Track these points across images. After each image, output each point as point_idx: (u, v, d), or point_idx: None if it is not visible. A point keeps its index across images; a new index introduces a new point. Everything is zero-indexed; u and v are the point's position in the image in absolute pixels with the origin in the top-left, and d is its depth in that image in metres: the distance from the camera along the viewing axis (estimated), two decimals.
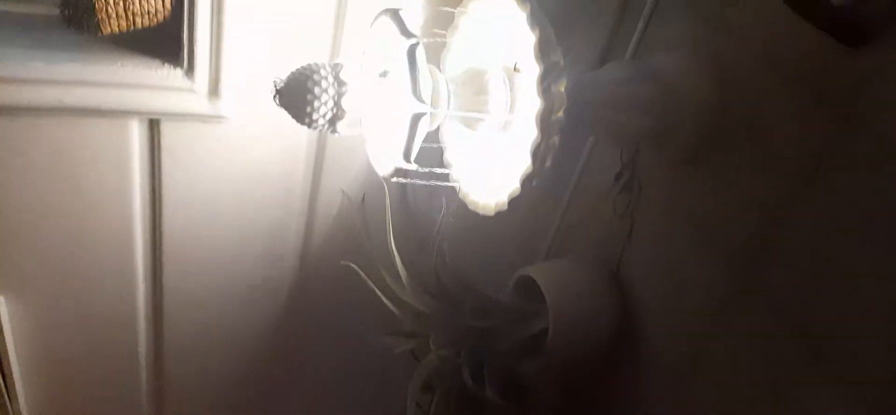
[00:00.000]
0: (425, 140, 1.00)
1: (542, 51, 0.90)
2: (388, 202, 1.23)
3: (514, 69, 1.03)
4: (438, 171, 1.05)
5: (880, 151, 0.79)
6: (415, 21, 1.16)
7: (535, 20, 0.91)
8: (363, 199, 1.40)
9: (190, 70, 1.23)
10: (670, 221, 1.12)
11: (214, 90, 1.25)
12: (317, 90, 0.95)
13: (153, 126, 1.33)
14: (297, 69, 0.97)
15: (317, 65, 0.96)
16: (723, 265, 1.01)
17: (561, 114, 0.93)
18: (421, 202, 1.45)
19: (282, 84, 0.97)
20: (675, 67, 1.01)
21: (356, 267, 1.29)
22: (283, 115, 0.96)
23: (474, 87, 1.01)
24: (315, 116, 0.96)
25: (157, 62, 1.24)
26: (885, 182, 0.79)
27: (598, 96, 1.01)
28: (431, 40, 0.99)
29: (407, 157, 0.97)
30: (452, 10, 1.06)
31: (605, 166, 1.25)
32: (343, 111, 0.96)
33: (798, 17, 0.85)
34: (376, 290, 1.31)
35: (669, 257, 1.13)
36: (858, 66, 0.81)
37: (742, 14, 0.96)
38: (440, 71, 1.05)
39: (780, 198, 0.92)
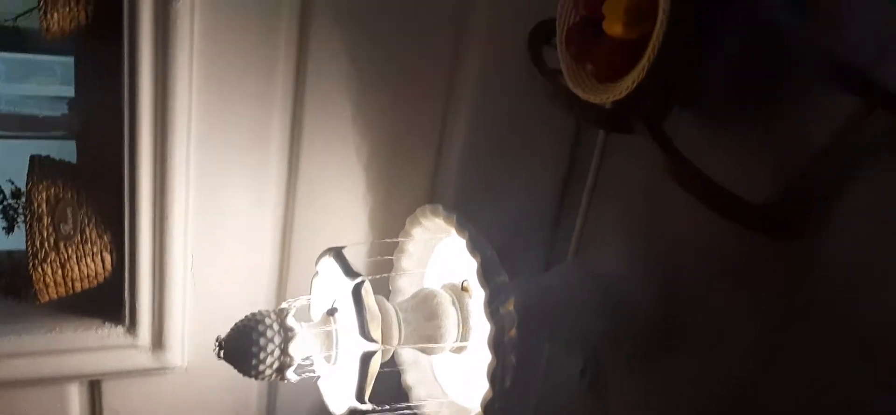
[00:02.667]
0: (382, 365, 0.97)
1: (486, 275, 0.90)
2: None
3: (462, 288, 1.02)
4: (395, 407, 1.01)
5: (827, 337, 0.79)
6: (359, 254, 1.16)
7: (475, 245, 0.92)
8: None
9: (132, 326, 1.19)
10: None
11: (158, 342, 1.20)
12: (262, 341, 0.92)
13: (94, 387, 1.26)
14: (241, 321, 0.94)
15: (261, 314, 0.94)
16: None
17: (514, 333, 0.91)
18: None
19: (225, 338, 0.93)
20: (618, 269, 1.03)
21: None
22: None
23: (425, 311, 1.00)
24: (262, 368, 0.93)
25: (97, 322, 1.20)
26: (835, 368, 0.78)
27: (548, 307, 1.00)
28: (376, 277, 0.99)
29: (360, 398, 0.92)
30: (394, 241, 1.08)
31: (567, 365, 1.23)
32: (291, 358, 0.93)
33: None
34: None
35: None
36: (793, 256, 0.83)
37: (673, 214, 1.00)
38: (388, 300, 1.04)
39: (738, 386, 0.90)
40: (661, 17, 0.78)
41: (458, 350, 1.02)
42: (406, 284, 1.12)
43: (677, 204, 1.00)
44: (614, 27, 0.83)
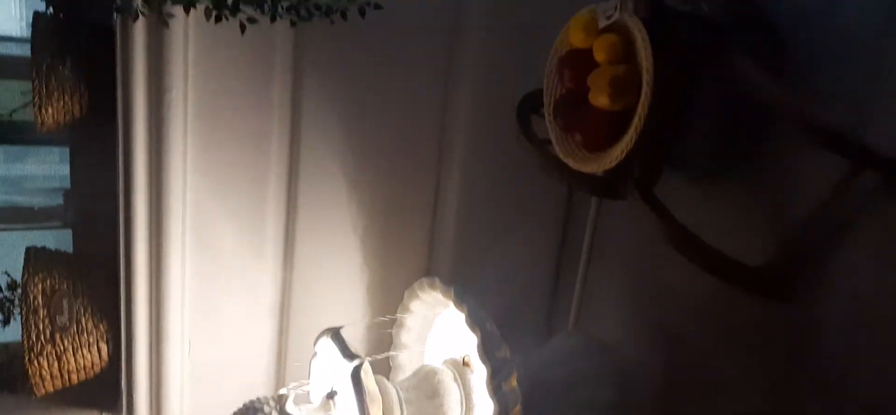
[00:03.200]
0: None
1: (487, 350, 0.89)
2: None
3: (464, 363, 1.01)
4: None
5: (829, 401, 0.78)
6: (358, 331, 1.15)
7: (474, 319, 0.91)
8: None
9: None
10: None
11: None
12: None
13: None
14: (240, 409, 0.93)
15: (260, 401, 0.93)
16: None
17: (518, 410, 0.90)
18: None
19: None
20: (620, 336, 1.01)
21: None
22: None
23: (426, 390, 0.98)
24: None
25: (94, 414, 1.18)
26: None
27: (553, 380, 0.99)
28: (377, 358, 0.97)
29: None
30: (392, 318, 1.07)
31: None
32: None
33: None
34: None
35: None
36: (792, 317, 0.83)
37: (671, 277, 0.99)
38: (389, 378, 1.02)
39: None
40: (646, 89, 0.79)
41: None
42: (406, 360, 1.11)
43: (675, 266, 0.99)
44: (600, 99, 0.84)
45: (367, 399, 0.90)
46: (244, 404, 0.94)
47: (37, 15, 1.15)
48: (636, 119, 0.81)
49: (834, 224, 0.78)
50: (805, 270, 0.82)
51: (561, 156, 0.92)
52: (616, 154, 0.84)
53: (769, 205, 0.88)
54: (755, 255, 0.84)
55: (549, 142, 0.95)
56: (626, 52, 0.84)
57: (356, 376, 0.90)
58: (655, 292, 1.04)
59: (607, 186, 0.94)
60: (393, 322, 1.10)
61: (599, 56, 0.85)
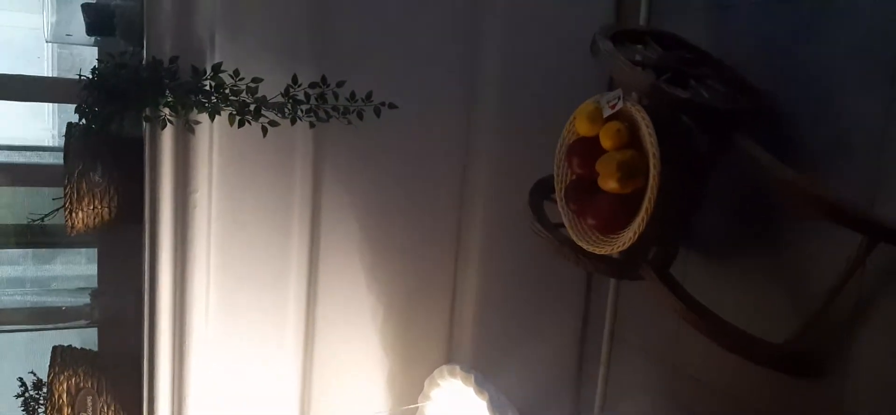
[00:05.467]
0: None
1: None
2: None
3: None
4: None
5: None
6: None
7: (496, 407, 0.91)
8: None
9: None
10: None
11: None
12: None
13: None
14: None
15: None
16: None
17: None
18: None
19: None
20: None
21: None
22: None
23: None
24: None
25: None
26: None
27: None
28: None
29: None
30: (414, 407, 1.06)
31: None
32: None
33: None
34: None
35: None
36: (817, 395, 0.81)
37: (694, 355, 0.98)
38: None
39: None
40: (653, 172, 0.82)
41: None
42: None
43: (697, 346, 0.99)
44: (609, 184, 0.86)
45: None
46: None
47: (70, 125, 1.21)
48: (646, 201, 0.83)
49: (851, 298, 0.78)
50: (828, 346, 0.81)
51: (575, 240, 0.93)
52: (629, 236, 0.85)
53: (787, 281, 0.88)
54: (775, 329, 0.84)
55: (563, 224, 0.96)
56: (631, 138, 0.87)
57: None
58: (679, 375, 1.03)
59: (623, 267, 0.95)
60: (414, 412, 1.09)
61: (606, 143, 0.88)
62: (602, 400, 1.14)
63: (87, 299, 1.38)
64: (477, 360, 1.16)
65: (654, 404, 1.03)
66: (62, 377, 1.18)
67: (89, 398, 1.19)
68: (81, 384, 1.20)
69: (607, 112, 0.88)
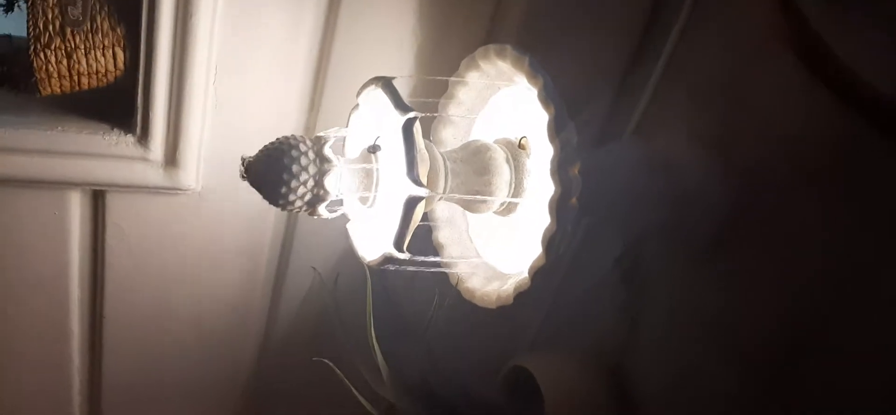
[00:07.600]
0: None
1: (558, 130, 0.80)
2: (369, 291, 1.09)
3: (520, 146, 0.92)
4: (432, 259, 0.93)
5: None
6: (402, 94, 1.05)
7: (549, 96, 0.81)
8: (336, 280, 1.26)
9: (144, 137, 1.08)
10: (677, 319, 1.01)
11: (171, 159, 1.10)
12: (295, 168, 0.81)
13: (97, 198, 1.17)
14: (272, 143, 0.84)
15: (295, 139, 0.83)
16: (742, 373, 0.90)
17: (575, 201, 0.82)
18: (400, 283, 1.31)
19: (252, 160, 0.83)
20: (686, 157, 0.92)
21: (330, 363, 1.14)
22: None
23: (475, 165, 0.90)
24: (292, 198, 0.83)
25: (104, 127, 1.08)
26: None
27: (606, 186, 0.91)
28: (425, 115, 0.87)
29: (399, 246, 0.84)
30: (446, 78, 0.95)
31: (601, 247, 1.15)
32: (325, 192, 0.83)
33: (834, 100, 0.78)
34: (351, 386, 1.16)
35: (676, 358, 1.01)
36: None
37: (757, 95, 0.88)
38: (436, 146, 0.93)
39: (804, 306, 0.82)
40: None
41: (505, 211, 0.93)
42: (449, 136, 1.02)
43: (766, 93, 0.88)
44: None
45: (417, 156, 0.81)
46: (278, 139, 0.84)
47: None
48: None
49: None
50: None
51: None
52: None
53: None
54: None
55: None
56: None
57: (408, 129, 0.81)
58: (737, 120, 0.93)
59: None
60: (441, 91, 0.99)
61: None
62: (638, 123, 1.05)
63: None
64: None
65: (700, 141, 0.95)
66: None
67: None
68: None
69: None
